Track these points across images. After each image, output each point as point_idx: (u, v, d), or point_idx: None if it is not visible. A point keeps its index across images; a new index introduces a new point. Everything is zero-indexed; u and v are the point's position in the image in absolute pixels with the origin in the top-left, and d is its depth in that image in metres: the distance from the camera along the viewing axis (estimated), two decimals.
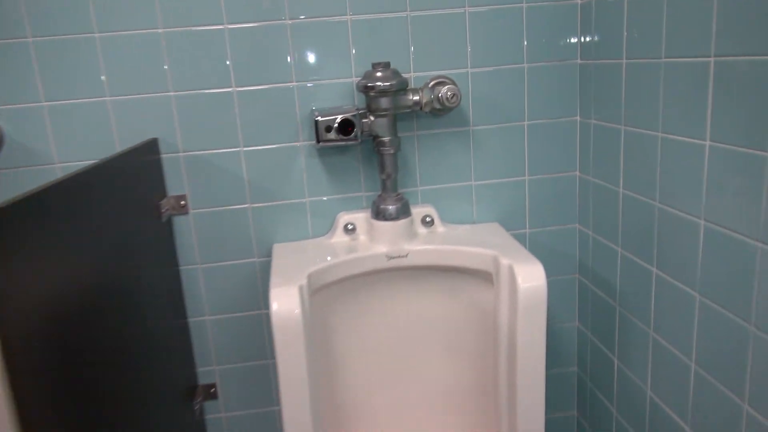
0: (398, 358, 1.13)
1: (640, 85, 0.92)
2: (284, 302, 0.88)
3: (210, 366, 1.17)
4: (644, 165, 0.94)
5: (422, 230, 1.11)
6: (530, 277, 0.93)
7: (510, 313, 0.96)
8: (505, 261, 0.96)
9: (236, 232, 1.11)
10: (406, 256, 1.05)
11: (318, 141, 1.00)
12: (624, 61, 0.96)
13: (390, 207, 1.04)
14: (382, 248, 1.05)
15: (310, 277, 0.96)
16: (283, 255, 1.06)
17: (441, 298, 1.10)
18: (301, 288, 0.91)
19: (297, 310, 0.88)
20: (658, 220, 0.92)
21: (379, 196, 1.07)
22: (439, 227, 1.12)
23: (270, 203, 1.11)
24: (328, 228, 1.13)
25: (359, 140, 1.01)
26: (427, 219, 1.10)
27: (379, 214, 1.05)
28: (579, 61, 1.11)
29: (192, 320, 1.14)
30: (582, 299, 1.22)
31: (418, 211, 1.11)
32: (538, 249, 1.20)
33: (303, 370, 0.90)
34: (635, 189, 0.97)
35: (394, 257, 1.05)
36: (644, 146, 0.93)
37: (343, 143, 1.00)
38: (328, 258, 1.01)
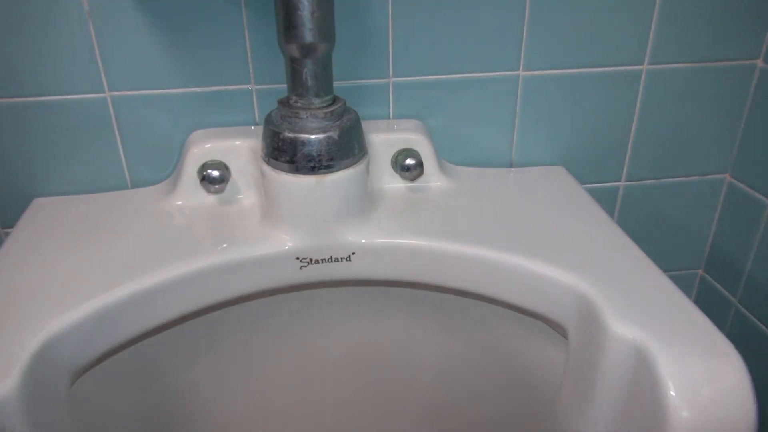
0: None
1: None
2: None
3: None
4: None
5: (394, 186, 0.47)
6: (705, 394, 0.31)
7: None
8: (621, 327, 0.34)
9: None
10: (349, 258, 0.42)
11: None
12: None
13: (309, 137, 0.38)
14: (285, 238, 0.41)
15: (45, 353, 0.33)
16: (25, 243, 0.41)
17: (427, 339, 0.49)
18: None
19: None
20: None
21: (284, 102, 0.40)
22: (435, 178, 0.47)
23: (11, 99, 0.43)
24: (168, 167, 0.48)
25: None
26: (408, 162, 0.45)
27: (280, 152, 0.39)
28: None
29: None
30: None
31: (385, 140, 0.46)
32: (638, 217, 0.57)
33: None
34: None
35: (314, 261, 0.41)
36: None
37: None
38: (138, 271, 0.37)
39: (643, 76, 0.49)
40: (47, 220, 0.44)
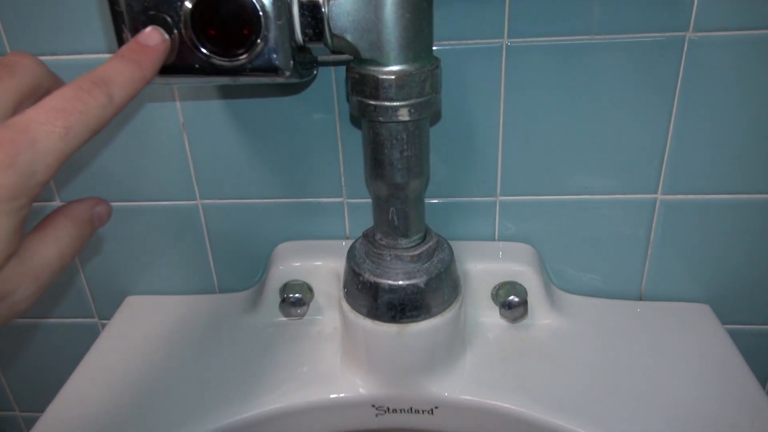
0: None
1: None
2: None
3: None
4: None
5: (492, 321, 0.41)
6: None
7: None
8: None
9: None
10: (431, 412, 0.37)
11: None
12: None
13: (392, 283, 0.34)
14: (361, 384, 0.37)
15: None
16: (114, 345, 0.41)
17: None
18: None
19: None
20: None
21: (369, 236, 0.36)
22: (543, 314, 0.40)
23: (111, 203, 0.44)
24: (255, 274, 0.45)
25: (292, 69, 0.29)
26: (510, 299, 0.39)
27: (359, 294, 0.35)
28: None
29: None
30: None
31: (485, 269, 0.40)
32: None
33: None
34: None
35: (392, 411, 0.37)
36: None
37: (228, 69, 0.29)
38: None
39: None
40: (137, 322, 0.44)
